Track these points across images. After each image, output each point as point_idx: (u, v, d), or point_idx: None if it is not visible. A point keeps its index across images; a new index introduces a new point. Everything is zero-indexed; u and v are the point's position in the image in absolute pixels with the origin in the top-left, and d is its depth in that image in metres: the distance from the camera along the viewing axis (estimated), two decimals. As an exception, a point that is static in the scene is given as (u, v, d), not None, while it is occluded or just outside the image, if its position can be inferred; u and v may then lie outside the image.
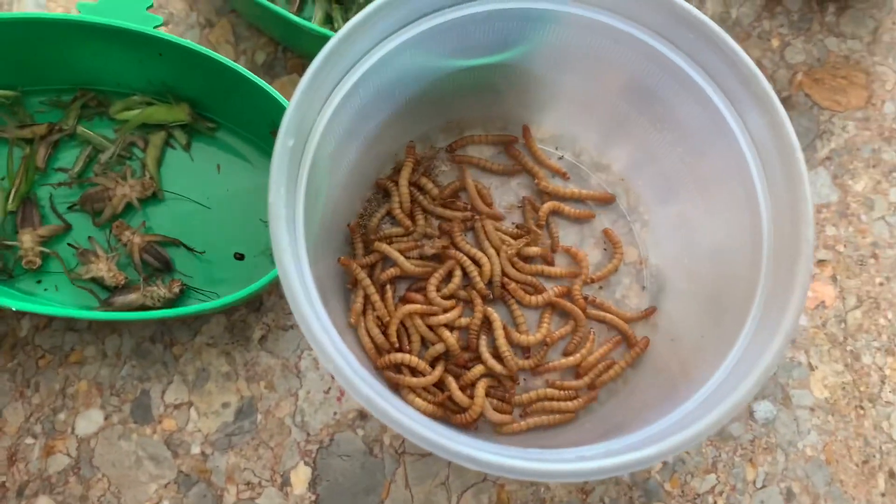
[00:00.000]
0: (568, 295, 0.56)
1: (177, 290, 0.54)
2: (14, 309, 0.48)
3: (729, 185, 0.49)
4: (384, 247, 0.54)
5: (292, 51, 0.62)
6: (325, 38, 0.53)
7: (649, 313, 0.56)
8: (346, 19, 0.62)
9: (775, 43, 0.65)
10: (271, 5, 0.54)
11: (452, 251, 0.55)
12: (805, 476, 0.55)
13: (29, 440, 0.53)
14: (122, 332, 0.56)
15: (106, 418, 0.54)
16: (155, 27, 0.53)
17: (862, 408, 0.57)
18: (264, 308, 0.56)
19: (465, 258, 0.54)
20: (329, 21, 0.61)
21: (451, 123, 0.59)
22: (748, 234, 0.47)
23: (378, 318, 0.53)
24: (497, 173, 0.59)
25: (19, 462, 0.53)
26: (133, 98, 0.59)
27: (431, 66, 0.51)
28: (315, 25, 0.54)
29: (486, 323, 0.54)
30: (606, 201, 0.59)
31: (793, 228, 0.42)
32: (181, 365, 0.55)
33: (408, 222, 0.56)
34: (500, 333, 0.53)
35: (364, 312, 0.53)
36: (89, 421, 0.54)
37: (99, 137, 0.58)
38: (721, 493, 0.55)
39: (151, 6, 0.55)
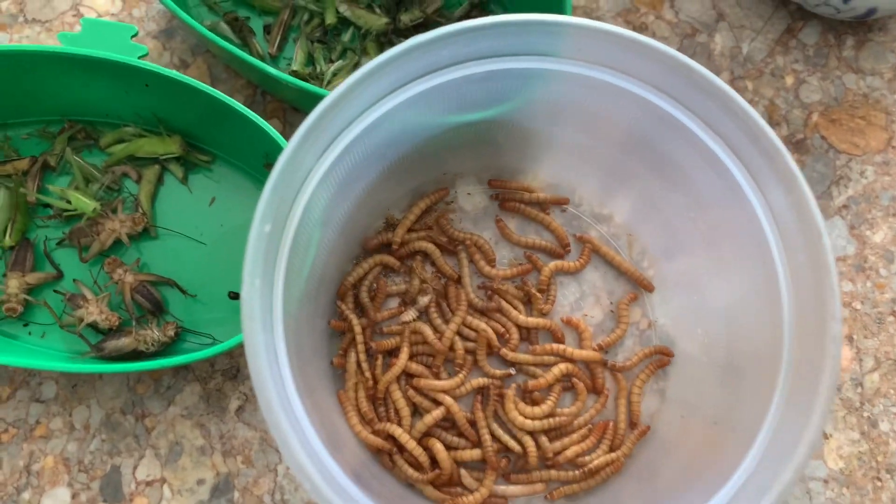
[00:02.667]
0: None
1: (171, 332, 0.51)
2: None
3: (744, 254, 0.46)
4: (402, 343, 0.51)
5: (271, 94, 0.58)
6: (303, 90, 0.49)
7: (664, 353, 0.53)
8: (329, 59, 0.57)
9: (789, 80, 0.61)
10: (246, 56, 0.50)
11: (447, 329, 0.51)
12: (819, 555, 0.52)
13: (-10, 522, 0.50)
14: (90, 402, 0.52)
15: (73, 497, 0.50)
16: (139, 57, 0.50)
17: (880, 479, 0.53)
18: (241, 376, 0.53)
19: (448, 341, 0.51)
20: (311, 63, 0.57)
21: (444, 176, 0.55)
22: (766, 310, 0.44)
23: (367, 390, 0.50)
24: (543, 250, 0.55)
25: (-20, 545, 0.50)
26: (125, 129, 0.55)
27: (425, 123, 0.47)
28: (290, 77, 0.49)
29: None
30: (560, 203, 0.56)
31: (818, 323, 0.38)
32: (153, 438, 0.52)
33: (395, 263, 0.53)
34: (512, 411, 0.50)
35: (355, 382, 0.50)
36: (55, 500, 0.50)
37: (88, 167, 0.54)
38: (730, 575, 0.51)
39: (136, 34, 0.51)
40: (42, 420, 0.52)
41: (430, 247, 0.53)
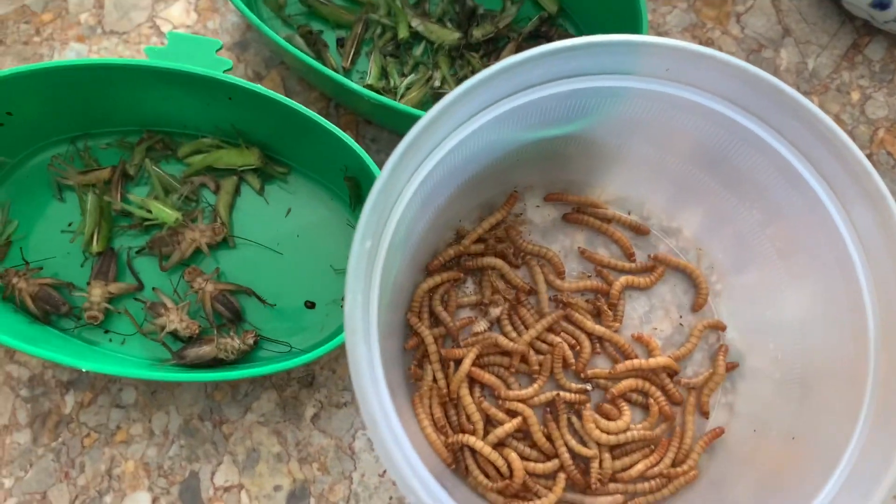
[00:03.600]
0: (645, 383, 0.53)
1: (251, 341, 0.52)
2: (84, 370, 0.47)
3: (824, 270, 0.46)
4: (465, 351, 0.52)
5: (344, 107, 0.59)
6: (379, 103, 0.50)
7: (731, 367, 0.53)
8: (402, 73, 0.58)
9: (855, 96, 0.61)
10: (324, 68, 0.51)
11: (520, 340, 0.52)
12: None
13: (74, 524, 0.51)
14: (169, 409, 0.53)
15: (154, 501, 0.52)
16: (224, 71, 0.50)
17: (948, 495, 0.54)
18: (317, 384, 0.54)
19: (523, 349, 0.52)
20: (384, 76, 0.58)
21: (515, 189, 0.55)
22: (847, 327, 0.44)
23: (441, 397, 0.51)
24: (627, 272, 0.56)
25: (64, 547, 0.51)
26: (203, 140, 0.56)
27: (506, 139, 0.48)
28: (368, 91, 0.50)
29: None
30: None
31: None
32: (231, 444, 0.53)
33: (461, 276, 0.54)
34: (591, 426, 0.50)
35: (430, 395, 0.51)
36: (136, 504, 0.52)
37: (167, 177, 0.55)
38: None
39: (220, 48, 0.52)
40: (122, 425, 0.53)
41: (497, 262, 0.54)
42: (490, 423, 0.51)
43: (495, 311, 0.53)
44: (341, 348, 0.54)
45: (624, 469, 0.51)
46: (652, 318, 0.55)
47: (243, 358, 0.52)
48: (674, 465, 0.51)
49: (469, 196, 0.54)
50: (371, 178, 0.49)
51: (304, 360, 0.48)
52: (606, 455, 0.51)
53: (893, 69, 0.62)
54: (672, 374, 0.53)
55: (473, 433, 0.50)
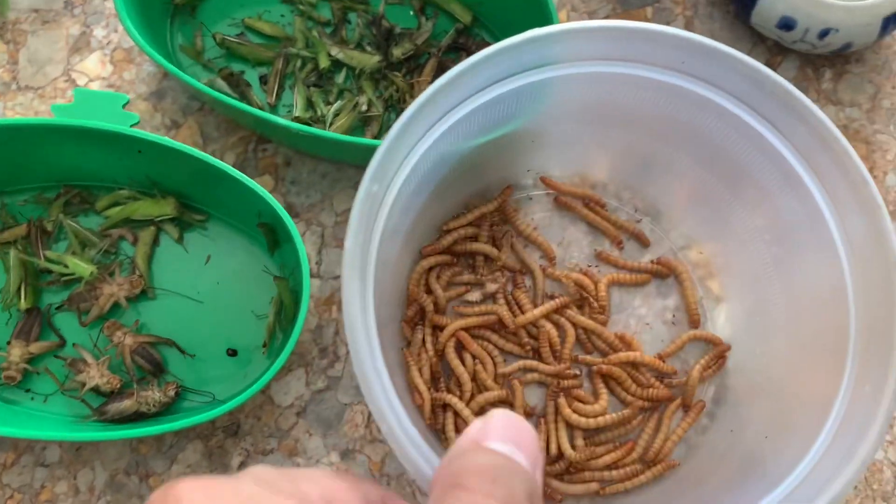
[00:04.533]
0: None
1: (172, 393, 0.52)
2: None
3: (815, 278, 0.47)
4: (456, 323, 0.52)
5: (263, 151, 0.59)
6: (309, 135, 0.52)
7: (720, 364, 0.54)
8: (327, 102, 0.59)
9: (770, 115, 0.62)
10: (251, 109, 0.52)
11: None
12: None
13: (-1, 588, 0.51)
14: (94, 464, 0.53)
15: (80, 560, 0.51)
16: (131, 125, 0.51)
17: (876, 508, 0.54)
18: (242, 432, 0.53)
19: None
20: (311, 107, 0.59)
21: (487, 188, 0.56)
22: (830, 333, 0.45)
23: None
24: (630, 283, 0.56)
25: None
26: (120, 192, 0.56)
27: (458, 149, 0.48)
28: (294, 124, 0.51)
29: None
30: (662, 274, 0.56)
31: (886, 350, 0.40)
32: (158, 497, 0.52)
33: (451, 259, 0.54)
34: (568, 412, 0.51)
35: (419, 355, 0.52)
36: (63, 564, 0.51)
37: (84, 231, 0.55)
38: None
39: (127, 103, 0.52)
40: (47, 484, 0.52)
41: (486, 247, 0.54)
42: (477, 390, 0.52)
43: (492, 287, 0.53)
44: (265, 395, 0.54)
45: (593, 459, 0.51)
46: (640, 316, 0.56)
47: (165, 410, 0.52)
48: (647, 453, 0.52)
49: (448, 199, 0.54)
50: (283, 224, 0.50)
51: (227, 408, 0.48)
52: (580, 441, 0.51)
53: (806, 87, 0.63)
54: (662, 376, 0.54)
55: (460, 397, 0.51)
